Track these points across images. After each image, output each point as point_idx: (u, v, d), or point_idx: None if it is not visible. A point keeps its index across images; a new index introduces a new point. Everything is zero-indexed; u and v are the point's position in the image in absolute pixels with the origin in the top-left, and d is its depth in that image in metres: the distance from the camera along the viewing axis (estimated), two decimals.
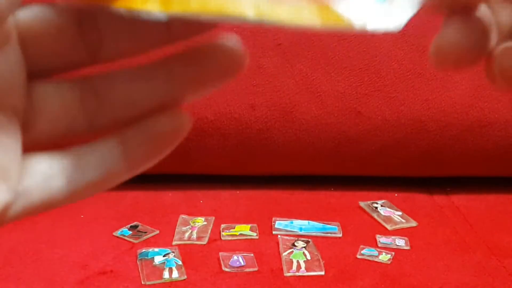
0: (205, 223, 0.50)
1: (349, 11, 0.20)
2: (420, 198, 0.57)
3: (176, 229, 0.49)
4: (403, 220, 0.51)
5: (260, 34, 0.58)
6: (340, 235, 0.48)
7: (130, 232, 0.49)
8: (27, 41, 0.17)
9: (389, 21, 0.20)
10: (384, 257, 0.44)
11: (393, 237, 0.47)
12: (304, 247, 0.45)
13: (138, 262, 0.43)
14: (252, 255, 0.44)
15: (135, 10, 0.19)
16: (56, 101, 0.17)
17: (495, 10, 0.20)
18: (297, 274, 0.41)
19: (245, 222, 0.50)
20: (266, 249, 0.45)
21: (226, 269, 0.42)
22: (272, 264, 0.43)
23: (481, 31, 0.19)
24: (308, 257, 0.44)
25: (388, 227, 0.50)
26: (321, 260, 0.43)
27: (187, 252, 0.45)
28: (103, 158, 0.18)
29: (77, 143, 0.18)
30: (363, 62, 0.59)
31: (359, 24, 0.19)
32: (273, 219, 0.51)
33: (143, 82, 0.18)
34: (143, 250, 0.44)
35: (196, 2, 0.19)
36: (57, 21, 0.17)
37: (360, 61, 0.59)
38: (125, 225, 0.50)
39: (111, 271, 0.42)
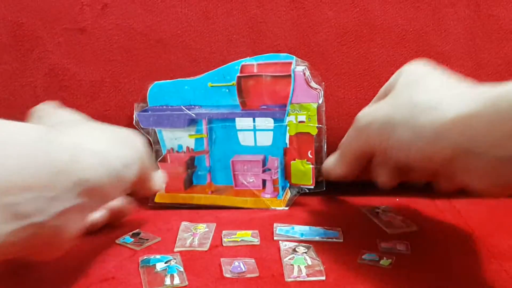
0: (207, 229, 0.51)
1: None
2: (422, 203, 0.57)
3: (177, 236, 0.49)
4: (404, 225, 0.51)
5: (259, 38, 0.58)
6: (341, 240, 0.48)
7: (132, 239, 0.49)
8: None
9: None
10: (385, 262, 0.44)
11: (394, 241, 0.47)
12: (305, 252, 0.45)
13: (140, 269, 0.43)
14: (253, 260, 0.44)
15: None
16: None
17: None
18: (298, 279, 0.41)
19: (247, 228, 0.50)
20: (267, 255, 0.45)
21: (228, 275, 0.42)
22: (273, 270, 0.43)
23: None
24: (309, 262, 0.44)
25: (389, 232, 0.50)
26: (322, 265, 0.43)
27: (189, 259, 0.45)
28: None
29: None
30: (362, 67, 0.59)
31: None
32: (274, 225, 0.51)
33: None
34: (145, 257, 0.45)
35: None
36: None
37: (359, 66, 0.59)
38: (127, 233, 0.50)
39: (113, 278, 0.42)
